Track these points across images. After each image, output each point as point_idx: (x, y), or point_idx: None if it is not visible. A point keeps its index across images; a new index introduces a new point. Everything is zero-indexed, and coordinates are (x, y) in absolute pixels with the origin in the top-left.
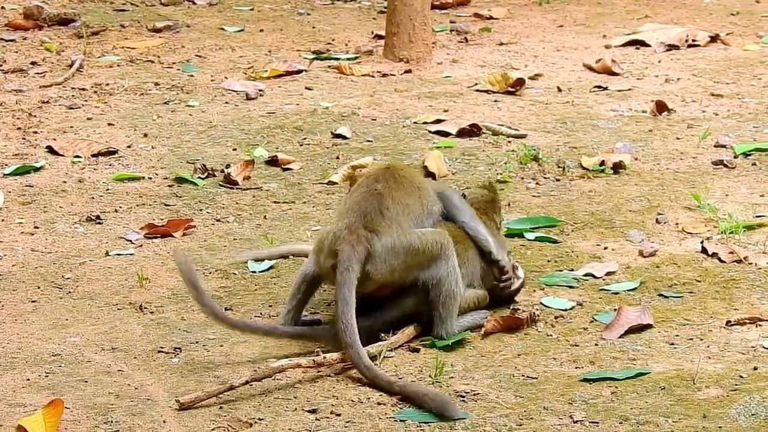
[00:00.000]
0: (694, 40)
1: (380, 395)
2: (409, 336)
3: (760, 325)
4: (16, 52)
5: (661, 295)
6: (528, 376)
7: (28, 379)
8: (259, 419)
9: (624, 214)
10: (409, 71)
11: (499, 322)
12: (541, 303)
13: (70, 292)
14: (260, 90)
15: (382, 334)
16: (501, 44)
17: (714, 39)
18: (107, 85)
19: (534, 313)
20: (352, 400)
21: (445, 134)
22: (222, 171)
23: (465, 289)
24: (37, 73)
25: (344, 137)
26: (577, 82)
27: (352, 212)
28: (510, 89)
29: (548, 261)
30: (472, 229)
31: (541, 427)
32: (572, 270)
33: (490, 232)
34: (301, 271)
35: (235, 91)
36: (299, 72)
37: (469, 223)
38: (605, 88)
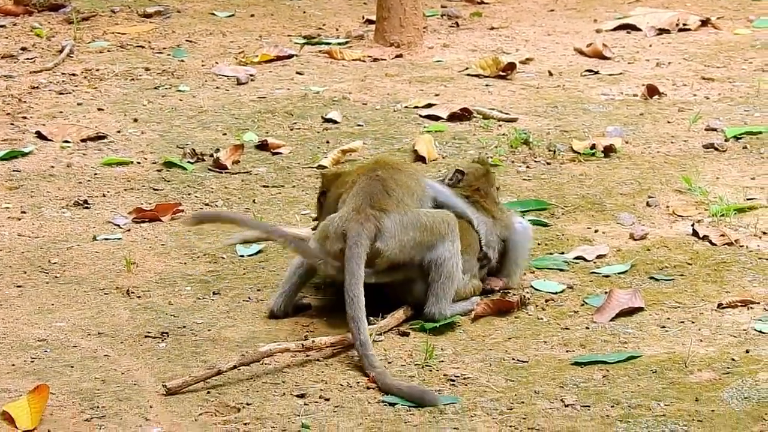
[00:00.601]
0: (684, 25)
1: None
2: (399, 320)
3: (751, 307)
4: (6, 37)
5: (652, 278)
6: (518, 360)
7: (14, 365)
8: (247, 404)
9: (615, 197)
10: (400, 56)
11: (489, 305)
12: (532, 286)
13: (56, 276)
14: (251, 75)
15: (371, 318)
16: (492, 29)
17: (705, 23)
18: (97, 70)
19: (524, 297)
20: (341, 385)
21: (436, 118)
22: (211, 155)
23: (464, 277)
24: (27, 59)
25: (335, 122)
26: (568, 66)
27: (357, 196)
28: (501, 73)
29: (539, 244)
30: (461, 211)
31: (532, 411)
32: (563, 253)
33: (482, 213)
34: (295, 263)
35: (225, 76)
36: (290, 57)
37: (457, 205)
38: (596, 72)
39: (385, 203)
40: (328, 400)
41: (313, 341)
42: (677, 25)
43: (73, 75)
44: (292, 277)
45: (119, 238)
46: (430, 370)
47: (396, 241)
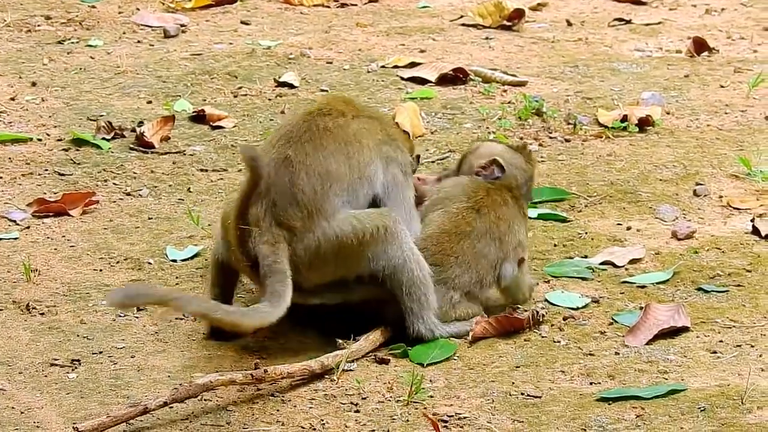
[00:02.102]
0: None
1: (338, 418)
2: (375, 343)
3: None
4: None
5: (700, 289)
6: (529, 395)
7: None
8: None
9: (652, 184)
10: (374, 0)
11: (492, 324)
12: (546, 300)
13: None
14: (182, 25)
15: (340, 341)
16: None
17: None
18: None
19: (537, 313)
20: (302, 427)
21: (422, 81)
22: (133, 130)
23: (460, 298)
24: None
25: (291, 86)
26: (592, 14)
27: (261, 197)
28: (505, 23)
29: (555, 245)
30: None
31: None
32: (586, 257)
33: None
34: (213, 257)
35: (149, 26)
36: (233, 2)
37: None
38: (628, 22)
39: (292, 218)
40: None
41: (266, 371)
42: None
43: None
44: (216, 282)
45: (15, 238)
46: (416, 408)
47: (315, 271)
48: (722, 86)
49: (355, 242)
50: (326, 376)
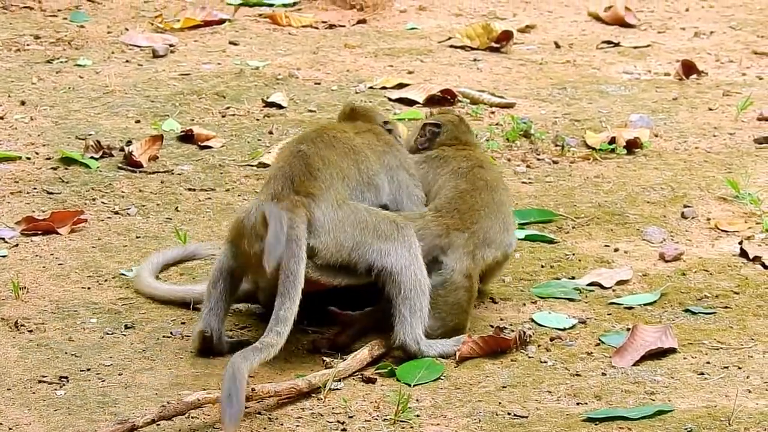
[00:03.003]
0: None
1: None
2: (363, 362)
3: None
4: None
5: (687, 310)
6: (516, 415)
7: None
8: None
9: (640, 206)
10: (363, 21)
11: (479, 344)
12: (533, 320)
13: None
14: (171, 45)
15: (327, 359)
16: None
17: None
18: None
19: (524, 333)
20: None
21: (410, 103)
22: (121, 149)
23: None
24: None
25: (279, 106)
26: (580, 36)
27: (275, 180)
28: (494, 45)
29: (542, 266)
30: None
31: None
32: (573, 278)
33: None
34: (215, 267)
35: (138, 46)
36: (221, 22)
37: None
38: (617, 44)
39: (310, 186)
40: None
41: (253, 389)
42: None
43: None
44: (217, 285)
45: (4, 256)
46: (403, 428)
47: (332, 238)
48: (711, 109)
49: (370, 224)
50: (313, 395)
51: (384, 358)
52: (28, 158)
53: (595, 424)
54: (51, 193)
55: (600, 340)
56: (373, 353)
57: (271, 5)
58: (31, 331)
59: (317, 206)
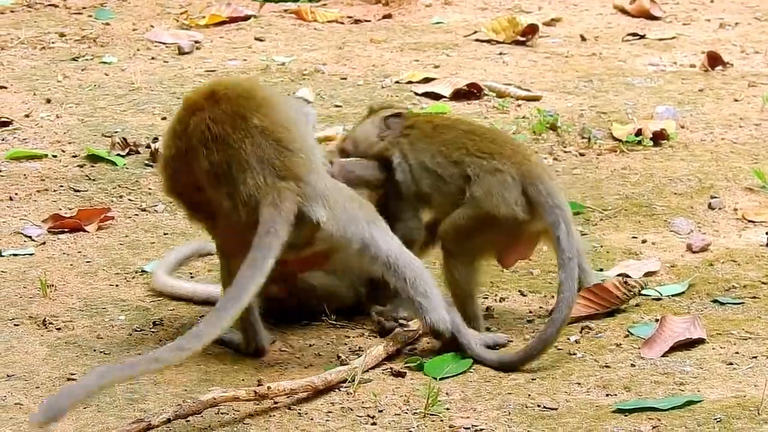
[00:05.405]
0: None
1: (355, 431)
2: (378, 358)
3: None
4: None
5: (715, 301)
6: (545, 407)
7: None
8: None
9: (667, 197)
10: (388, 16)
11: (588, 298)
12: None
13: None
14: (196, 42)
15: (342, 356)
16: None
17: None
18: None
19: (627, 283)
20: None
21: (437, 97)
22: (148, 146)
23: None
24: None
25: (305, 101)
26: (605, 29)
27: (247, 170)
28: (519, 38)
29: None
30: None
31: None
32: (601, 270)
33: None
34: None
35: (163, 43)
36: (247, 18)
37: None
38: (642, 36)
39: (292, 164)
40: None
41: (269, 387)
42: None
43: None
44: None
45: (31, 254)
46: (433, 421)
47: (330, 211)
48: (736, 100)
49: (357, 199)
50: (342, 389)
51: (400, 354)
52: (55, 156)
53: (625, 416)
54: (78, 191)
55: (629, 331)
56: (389, 349)
57: (296, 1)
58: (59, 329)
59: (306, 184)
